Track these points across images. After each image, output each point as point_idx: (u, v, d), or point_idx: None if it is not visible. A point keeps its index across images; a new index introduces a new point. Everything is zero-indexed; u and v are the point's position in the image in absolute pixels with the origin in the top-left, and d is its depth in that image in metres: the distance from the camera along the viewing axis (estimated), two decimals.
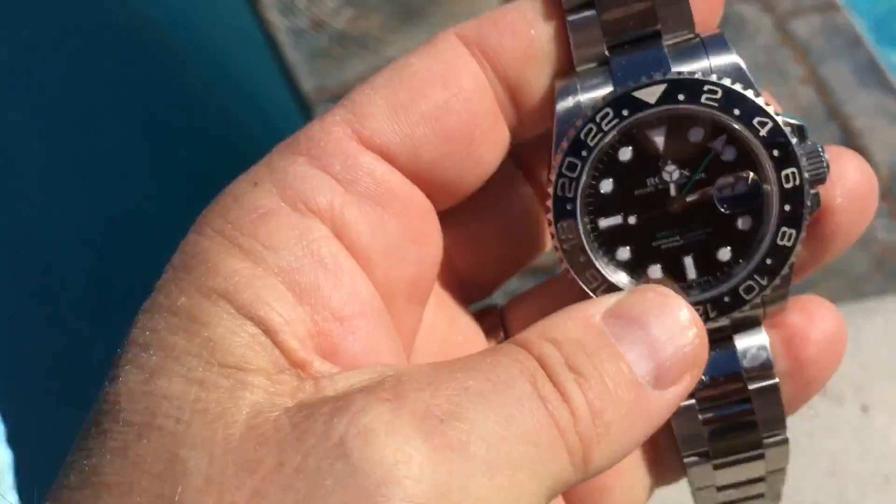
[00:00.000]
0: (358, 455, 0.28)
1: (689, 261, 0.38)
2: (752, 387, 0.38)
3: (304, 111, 1.79)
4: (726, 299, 0.37)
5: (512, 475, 0.30)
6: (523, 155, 0.42)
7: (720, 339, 0.39)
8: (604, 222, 0.38)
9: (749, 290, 0.37)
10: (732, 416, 0.39)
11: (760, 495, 0.42)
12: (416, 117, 0.37)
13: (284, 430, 0.29)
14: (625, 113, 0.37)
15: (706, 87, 0.36)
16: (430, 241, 0.38)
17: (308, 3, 1.91)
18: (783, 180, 0.36)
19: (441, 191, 0.38)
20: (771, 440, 0.39)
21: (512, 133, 0.39)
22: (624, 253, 0.38)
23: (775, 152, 0.36)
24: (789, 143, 0.36)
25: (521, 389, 0.31)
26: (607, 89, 0.37)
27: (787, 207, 0.37)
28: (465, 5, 1.87)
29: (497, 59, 0.38)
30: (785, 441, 0.39)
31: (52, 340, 1.74)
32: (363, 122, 0.36)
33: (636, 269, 0.38)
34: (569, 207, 0.37)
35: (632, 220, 0.38)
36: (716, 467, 0.40)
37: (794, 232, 0.37)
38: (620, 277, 0.38)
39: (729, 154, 0.37)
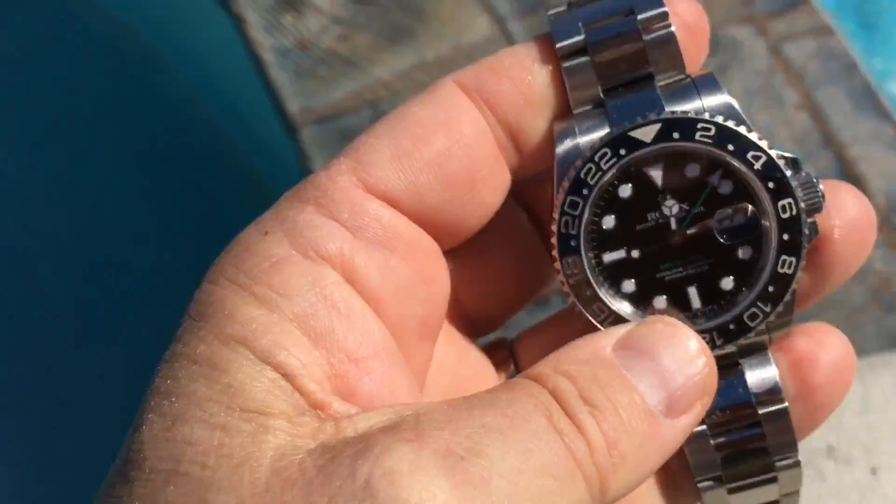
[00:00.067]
0: (384, 496, 0.29)
1: (693, 291, 0.39)
2: (762, 411, 0.39)
3: (289, 132, 1.76)
4: (732, 327, 0.38)
5: None
6: (522, 191, 0.43)
7: (728, 366, 0.39)
8: (608, 257, 0.39)
9: (753, 317, 0.38)
10: (744, 441, 0.39)
11: None
12: (419, 164, 0.38)
13: (310, 473, 0.30)
14: (622, 152, 0.38)
15: (700, 125, 0.38)
16: (437, 280, 0.40)
17: (293, 21, 1.87)
18: (780, 211, 0.38)
19: (445, 233, 0.39)
20: (783, 463, 0.40)
21: (512, 173, 0.41)
22: (629, 285, 0.39)
23: (771, 184, 0.38)
24: (784, 174, 0.38)
25: (538, 424, 0.32)
26: (604, 130, 0.39)
27: (785, 236, 0.38)
28: (453, 26, 1.85)
29: (496, 105, 0.39)
30: (797, 464, 0.40)
31: (34, 359, 1.71)
32: (368, 169, 0.37)
33: (642, 300, 0.39)
34: (573, 244, 0.39)
35: (635, 253, 0.39)
36: (730, 492, 0.40)
37: (793, 259, 0.38)
38: (627, 309, 0.39)
39: (726, 187, 0.39)
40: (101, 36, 2.08)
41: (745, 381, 0.39)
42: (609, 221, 0.39)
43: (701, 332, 0.38)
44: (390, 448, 0.30)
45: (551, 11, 0.41)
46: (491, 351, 0.45)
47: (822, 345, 0.40)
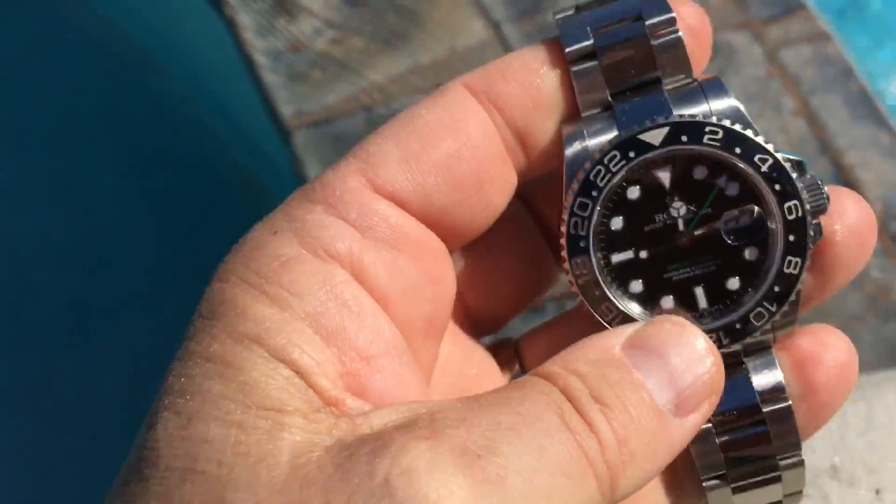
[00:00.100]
0: (403, 494, 0.29)
1: (699, 291, 0.40)
2: (766, 409, 0.40)
3: (282, 136, 1.75)
4: (738, 326, 0.39)
5: None
6: (528, 192, 0.44)
7: (732, 365, 0.40)
8: (616, 257, 0.40)
9: (759, 316, 0.39)
10: (748, 440, 0.40)
11: None
12: (427, 166, 0.38)
13: (328, 471, 0.30)
14: (631, 154, 0.39)
15: (707, 129, 0.38)
16: (444, 280, 0.40)
17: (286, 23, 1.86)
18: (786, 212, 0.38)
19: (452, 233, 0.40)
20: (787, 462, 0.40)
21: (519, 175, 0.41)
22: (637, 286, 0.40)
23: (777, 186, 0.38)
24: (790, 177, 0.38)
25: (550, 422, 0.32)
26: (612, 133, 0.39)
27: (791, 237, 0.38)
28: (447, 29, 1.85)
29: (505, 108, 0.40)
30: (801, 463, 0.40)
31: (26, 362, 1.70)
32: (376, 170, 0.38)
33: (649, 300, 0.40)
34: (582, 245, 0.39)
35: (643, 254, 0.40)
36: (734, 491, 0.41)
37: (799, 260, 0.38)
38: (635, 309, 0.40)
39: (733, 189, 0.39)
40: (94, 39, 2.07)
41: (749, 380, 0.40)
42: (617, 223, 0.40)
43: (708, 331, 0.38)
44: (407, 446, 0.31)
45: (559, 15, 0.41)
46: (495, 350, 0.45)
47: (825, 345, 0.41)
